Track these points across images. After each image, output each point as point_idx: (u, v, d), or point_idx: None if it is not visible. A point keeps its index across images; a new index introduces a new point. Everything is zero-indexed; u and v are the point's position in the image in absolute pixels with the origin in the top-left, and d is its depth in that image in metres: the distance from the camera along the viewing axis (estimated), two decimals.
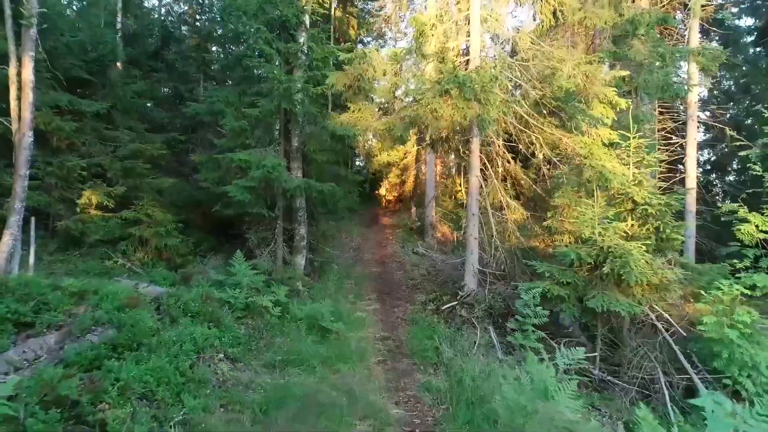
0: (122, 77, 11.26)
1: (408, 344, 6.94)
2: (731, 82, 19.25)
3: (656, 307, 5.86)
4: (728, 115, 17.70)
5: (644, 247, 5.90)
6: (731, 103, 18.59)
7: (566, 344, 5.97)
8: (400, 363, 6.25)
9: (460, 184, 20.59)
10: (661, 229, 6.59)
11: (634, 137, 7.12)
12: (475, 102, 6.83)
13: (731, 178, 20.24)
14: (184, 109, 9.33)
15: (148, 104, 12.59)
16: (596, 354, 6.09)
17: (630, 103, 7.58)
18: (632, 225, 6.63)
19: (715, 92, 18.73)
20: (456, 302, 7.91)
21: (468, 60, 8.27)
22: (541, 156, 8.20)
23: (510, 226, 8.59)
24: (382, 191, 24.05)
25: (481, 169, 8.38)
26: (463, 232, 15.48)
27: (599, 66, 7.12)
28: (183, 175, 11.53)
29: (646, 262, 5.95)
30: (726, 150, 18.73)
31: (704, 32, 15.76)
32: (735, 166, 20.31)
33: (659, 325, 5.71)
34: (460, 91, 6.74)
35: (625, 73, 7.47)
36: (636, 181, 6.86)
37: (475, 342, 6.35)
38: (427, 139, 9.84)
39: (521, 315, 5.77)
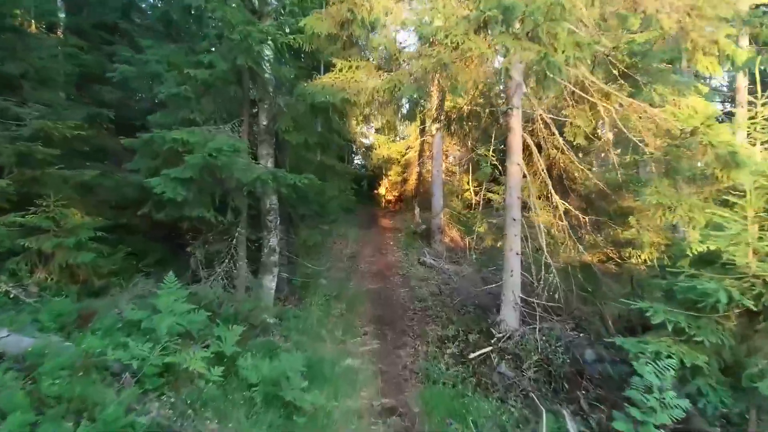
0: (59, 44, 8.59)
1: (424, 423, 4.27)
2: None
3: None
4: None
5: None
6: None
7: None
8: None
9: (468, 182, 17.93)
10: None
11: (763, 104, 4.47)
12: (528, 42, 4.16)
13: None
14: (109, 73, 6.66)
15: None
16: None
17: (755, 51, 4.91)
18: None
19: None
20: (490, 348, 5.23)
21: None
22: (609, 136, 5.52)
23: (563, 237, 5.90)
24: (382, 190, 21.36)
25: (524, 151, 5.70)
26: (473, 238, 12.82)
27: None
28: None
29: None
30: None
31: None
32: None
33: None
34: (506, 24, 4.06)
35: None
36: None
37: None
38: (441, 118, 7.14)
39: (638, 405, 3.08)
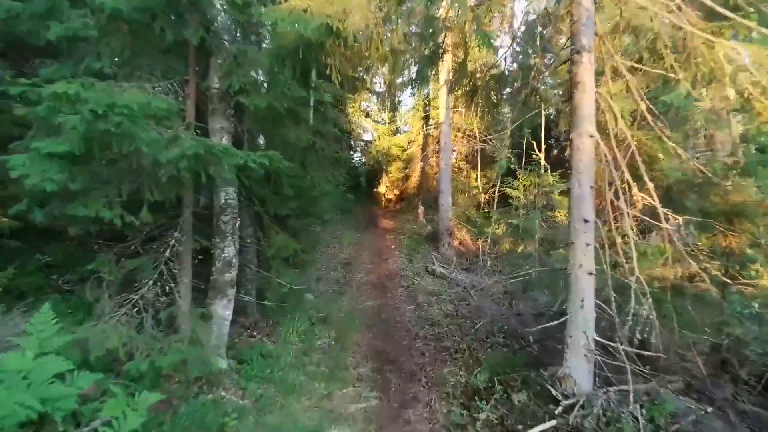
0: None
1: None
2: None
3: None
4: None
5: None
6: None
7: None
8: None
9: (476, 179, 15.91)
10: None
11: None
12: None
13: None
14: None
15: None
16: None
17: None
18: None
19: None
20: (553, 423, 3.24)
21: None
22: (730, 94, 3.54)
23: (647, 246, 3.91)
24: (382, 188, 19.37)
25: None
26: (486, 241, 10.84)
27: None
28: None
29: None
30: None
31: None
32: None
33: None
34: None
35: None
36: None
37: None
38: (463, 83, 5.15)
39: None
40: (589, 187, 3.49)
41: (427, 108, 15.29)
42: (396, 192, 18.47)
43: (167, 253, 4.01)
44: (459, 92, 5.12)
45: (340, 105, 14.51)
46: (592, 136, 3.49)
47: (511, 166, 12.45)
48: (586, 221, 3.45)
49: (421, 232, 12.71)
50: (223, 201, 4.51)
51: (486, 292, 7.58)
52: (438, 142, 11.70)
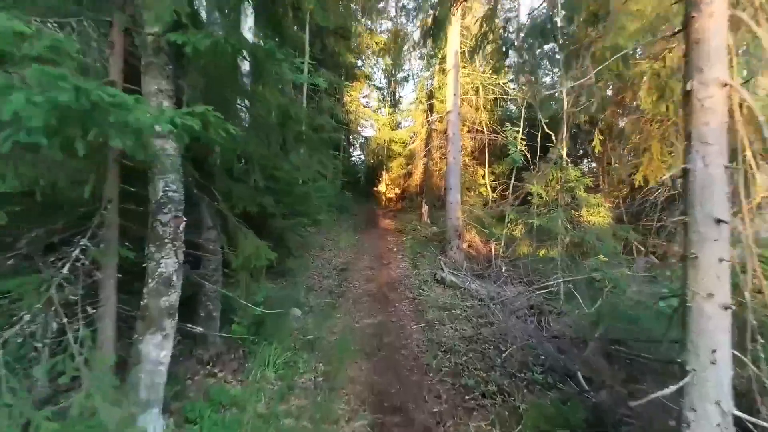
0: None
1: None
2: None
3: None
4: None
5: None
6: None
7: None
8: None
9: (484, 176, 14.52)
10: None
11: None
12: None
13: None
14: None
15: None
16: None
17: None
18: None
19: None
20: None
21: None
22: None
23: None
24: (382, 187, 18.00)
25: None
26: (499, 243, 9.47)
27: None
28: None
29: None
30: None
31: None
32: None
33: None
34: None
35: None
36: None
37: None
38: (491, 38, 3.86)
39: None
40: (723, 168, 2.12)
41: (431, 100, 13.94)
42: (397, 190, 17.12)
43: (65, 270, 2.63)
44: (490, 48, 3.73)
45: (336, 94, 13.14)
46: (725, 85, 2.12)
47: (525, 161, 11.10)
48: (718, 222, 2.08)
49: (425, 233, 11.34)
50: (161, 194, 3.12)
51: (507, 304, 6.21)
52: (445, 132, 10.33)
